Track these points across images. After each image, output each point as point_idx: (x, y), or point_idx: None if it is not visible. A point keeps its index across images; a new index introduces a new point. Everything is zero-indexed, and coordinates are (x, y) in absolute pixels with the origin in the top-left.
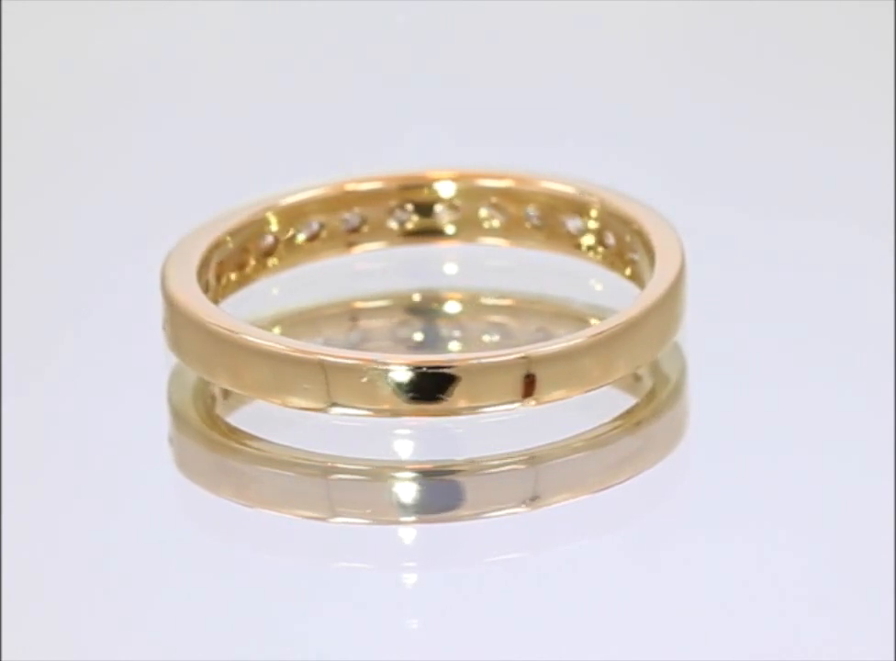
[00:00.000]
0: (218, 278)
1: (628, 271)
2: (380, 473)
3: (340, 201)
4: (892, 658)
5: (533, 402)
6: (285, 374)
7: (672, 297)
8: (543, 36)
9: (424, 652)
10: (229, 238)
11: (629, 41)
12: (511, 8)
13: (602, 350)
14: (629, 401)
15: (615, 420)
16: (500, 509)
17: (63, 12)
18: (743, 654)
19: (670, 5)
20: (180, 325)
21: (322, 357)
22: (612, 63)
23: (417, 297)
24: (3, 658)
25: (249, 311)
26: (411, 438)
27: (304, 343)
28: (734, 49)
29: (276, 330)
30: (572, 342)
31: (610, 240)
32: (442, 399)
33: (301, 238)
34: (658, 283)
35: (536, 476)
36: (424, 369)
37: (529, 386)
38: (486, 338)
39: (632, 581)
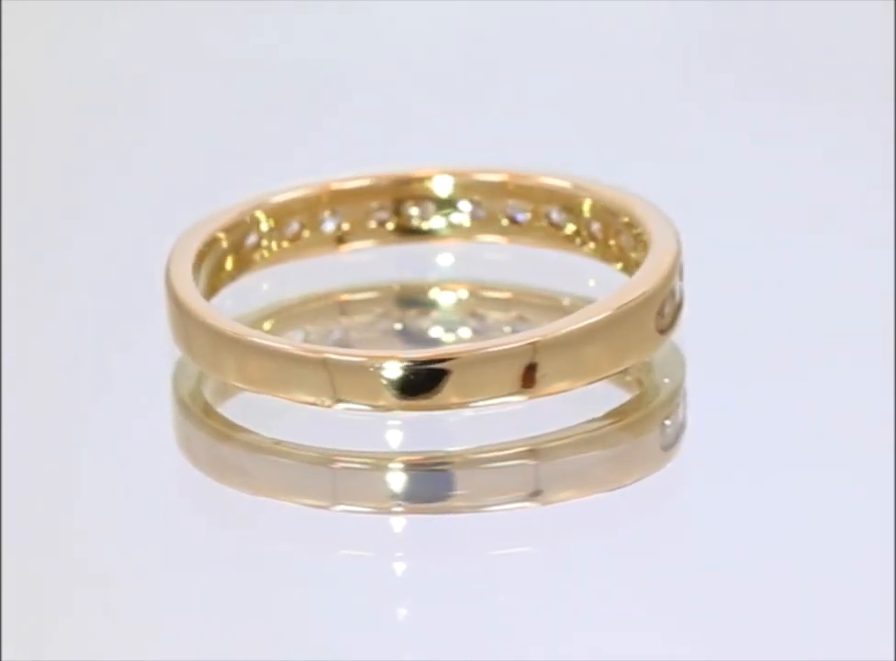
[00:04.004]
0: (211, 274)
1: (624, 265)
2: (381, 463)
3: (330, 200)
4: (893, 658)
5: (533, 393)
6: (290, 372)
7: (663, 288)
8: (540, 32)
9: (420, 642)
10: (221, 235)
11: (626, 39)
12: (512, 7)
13: (603, 336)
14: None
15: (605, 416)
16: (499, 503)
17: (63, 12)
18: (741, 655)
19: (670, 3)
20: (184, 322)
21: (327, 356)
22: (611, 62)
23: (409, 291)
24: (3, 657)
25: (242, 305)
26: (412, 430)
27: (308, 344)
28: (733, 46)
29: (268, 323)
30: (577, 326)
31: (607, 234)
32: (441, 393)
33: (292, 235)
34: (648, 271)
35: (537, 469)
36: (422, 364)
37: (529, 377)
38: (505, 329)
39: (629, 583)
